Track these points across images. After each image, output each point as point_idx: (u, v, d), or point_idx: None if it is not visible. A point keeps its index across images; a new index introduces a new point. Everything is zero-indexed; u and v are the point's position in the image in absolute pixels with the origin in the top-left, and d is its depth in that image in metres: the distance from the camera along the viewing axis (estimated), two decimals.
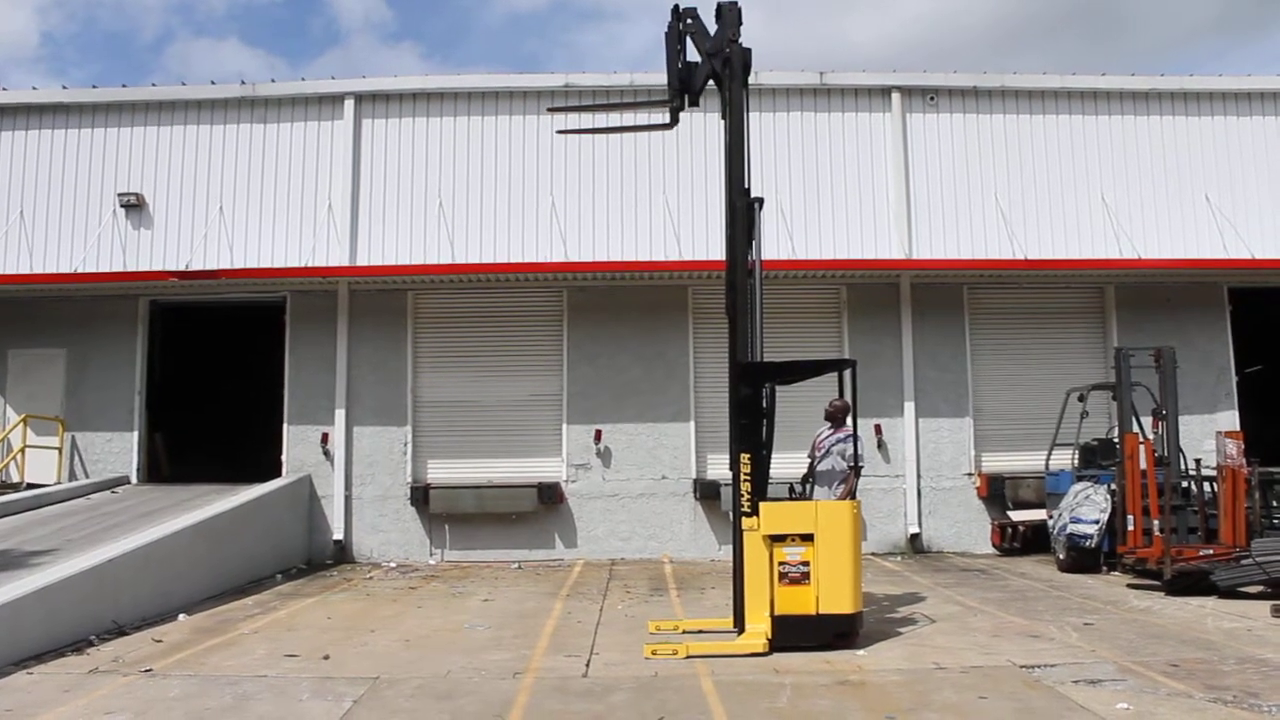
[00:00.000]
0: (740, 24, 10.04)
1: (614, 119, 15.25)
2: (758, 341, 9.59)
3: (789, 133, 18.20)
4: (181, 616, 11.25)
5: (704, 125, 17.45)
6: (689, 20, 10.23)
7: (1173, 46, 79.94)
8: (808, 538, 9.05)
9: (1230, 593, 11.56)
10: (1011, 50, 78.53)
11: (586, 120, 16.31)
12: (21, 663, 8.72)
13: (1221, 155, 18.49)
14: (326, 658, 9.00)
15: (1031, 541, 16.27)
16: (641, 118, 12.53)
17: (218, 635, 10.22)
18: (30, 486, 16.50)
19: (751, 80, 10.47)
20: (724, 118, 10.11)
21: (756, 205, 9.94)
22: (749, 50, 10.03)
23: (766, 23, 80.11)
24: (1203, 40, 79.94)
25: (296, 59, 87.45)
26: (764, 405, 9.49)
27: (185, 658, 9.09)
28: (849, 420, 10.43)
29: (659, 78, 17.60)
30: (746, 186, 9.90)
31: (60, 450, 17.32)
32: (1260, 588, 11.52)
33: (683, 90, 10.20)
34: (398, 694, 7.69)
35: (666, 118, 10.65)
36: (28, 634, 9.04)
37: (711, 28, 10.18)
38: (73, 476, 17.29)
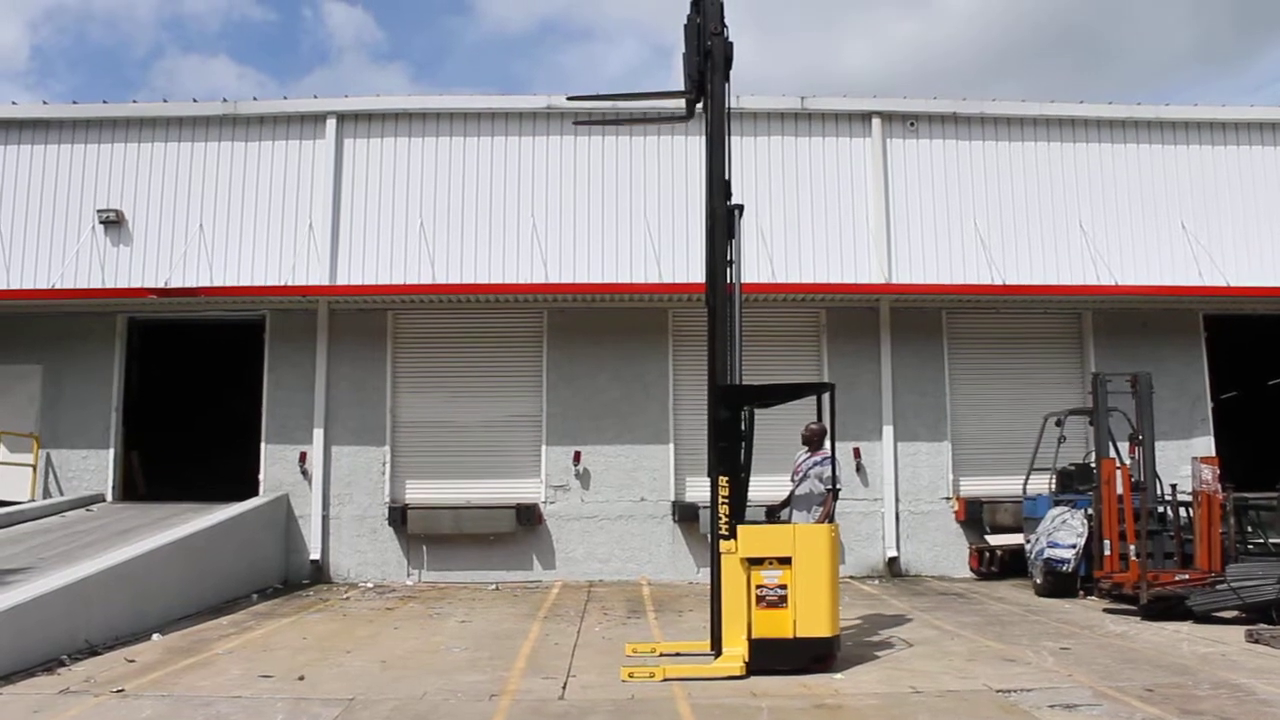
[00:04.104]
0: (723, 16, 10.02)
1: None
2: (737, 364, 9.60)
3: (770, 157, 18.27)
4: (155, 636, 11.15)
5: (684, 147, 17.62)
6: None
7: (1156, 76, 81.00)
8: (785, 561, 9.04)
9: (1205, 618, 11.61)
10: (998, 77, 79.43)
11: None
12: None
13: (1197, 184, 18.68)
14: (302, 678, 8.93)
15: (1009, 566, 16.28)
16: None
17: (192, 655, 10.13)
18: (3, 504, 16.29)
19: (734, 104, 10.54)
20: (705, 112, 10.13)
21: (736, 212, 9.95)
22: (731, 44, 10.04)
23: (757, 48, 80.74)
24: (1185, 70, 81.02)
25: (286, 77, 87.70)
26: (743, 428, 9.48)
27: (158, 678, 9.00)
28: (826, 443, 10.42)
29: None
30: (727, 179, 9.88)
31: (34, 467, 17.14)
32: (1235, 613, 11.57)
33: (700, 83, 10.18)
34: (373, 715, 7.64)
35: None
36: None
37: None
38: (47, 494, 17.12)
